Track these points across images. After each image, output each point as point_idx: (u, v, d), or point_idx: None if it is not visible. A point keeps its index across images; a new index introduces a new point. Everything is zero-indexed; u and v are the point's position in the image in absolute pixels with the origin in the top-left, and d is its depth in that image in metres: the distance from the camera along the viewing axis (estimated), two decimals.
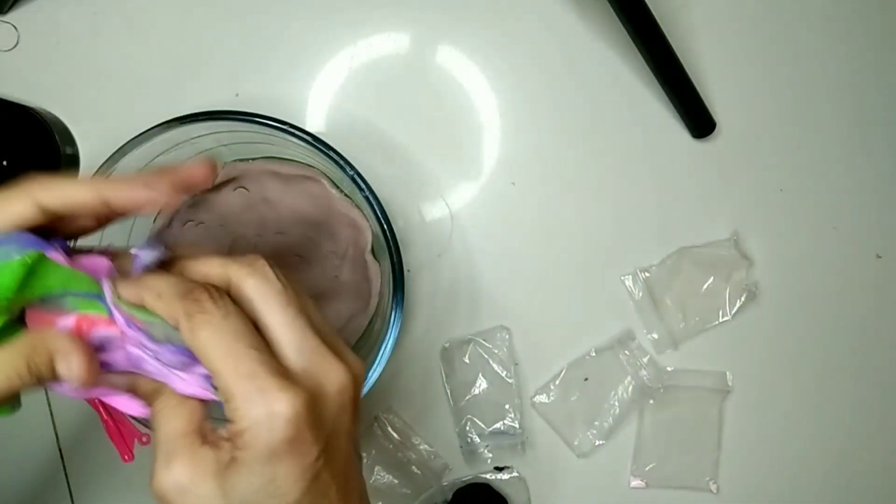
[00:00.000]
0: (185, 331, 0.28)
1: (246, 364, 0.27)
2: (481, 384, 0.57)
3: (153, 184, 0.30)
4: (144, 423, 0.45)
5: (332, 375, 0.29)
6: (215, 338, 0.27)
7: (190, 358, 0.29)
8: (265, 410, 0.26)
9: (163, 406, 0.29)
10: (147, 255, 0.30)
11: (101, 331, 0.29)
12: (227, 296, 0.29)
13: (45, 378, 0.28)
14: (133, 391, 0.30)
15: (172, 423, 0.29)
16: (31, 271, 0.27)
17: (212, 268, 0.30)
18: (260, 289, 0.29)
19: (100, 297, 0.29)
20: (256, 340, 0.28)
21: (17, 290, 0.27)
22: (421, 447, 0.56)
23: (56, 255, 0.28)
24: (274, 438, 0.26)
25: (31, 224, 0.28)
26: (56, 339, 0.28)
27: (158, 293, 0.28)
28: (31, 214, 0.28)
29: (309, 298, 0.31)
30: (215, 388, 0.28)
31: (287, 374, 0.27)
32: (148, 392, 0.30)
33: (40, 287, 0.28)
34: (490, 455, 0.56)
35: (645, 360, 0.56)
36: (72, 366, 0.28)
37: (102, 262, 0.30)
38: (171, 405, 0.29)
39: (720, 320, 0.57)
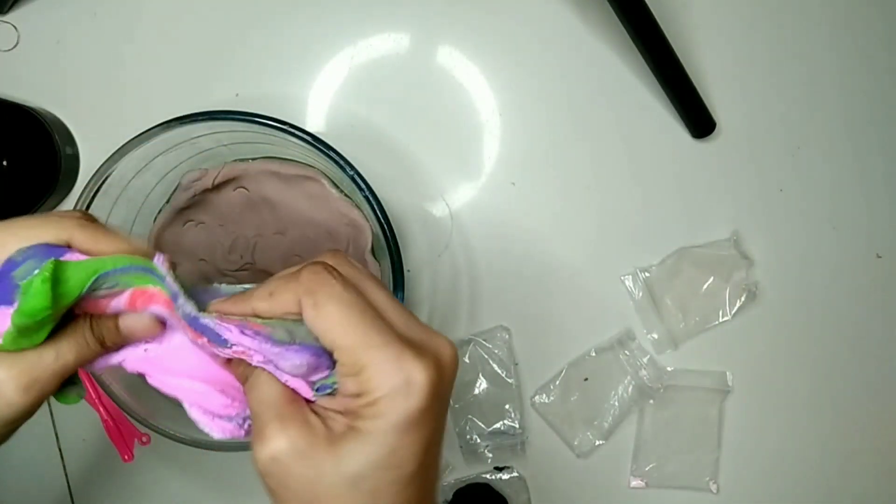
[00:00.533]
0: (308, 310, 0.28)
1: (378, 334, 0.27)
2: (481, 384, 0.57)
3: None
4: (144, 422, 0.45)
5: (444, 347, 0.29)
6: (341, 311, 0.27)
7: (314, 356, 0.28)
8: (403, 378, 0.26)
9: (261, 374, 0.29)
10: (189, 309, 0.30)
11: (157, 308, 0.29)
12: (334, 272, 0.28)
13: (108, 340, 0.29)
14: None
15: (276, 389, 0.28)
16: (56, 280, 0.27)
17: (281, 302, 0.29)
18: (352, 279, 0.29)
19: (151, 271, 0.29)
20: (378, 314, 0.28)
21: (52, 304, 0.27)
22: None
23: (72, 255, 0.29)
24: (411, 406, 0.26)
25: None
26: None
27: (269, 292, 0.29)
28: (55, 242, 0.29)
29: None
30: (325, 383, 0.29)
31: (412, 344, 0.28)
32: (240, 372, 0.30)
33: (73, 288, 0.28)
34: (490, 455, 0.56)
35: (645, 360, 0.56)
36: (140, 316, 0.29)
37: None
38: (269, 375, 0.29)
39: (720, 320, 0.57)
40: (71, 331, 0.29)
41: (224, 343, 0.28)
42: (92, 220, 0.30)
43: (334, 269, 0.29)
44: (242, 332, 0.28)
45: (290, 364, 0.28)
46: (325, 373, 0.29)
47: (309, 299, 0.28)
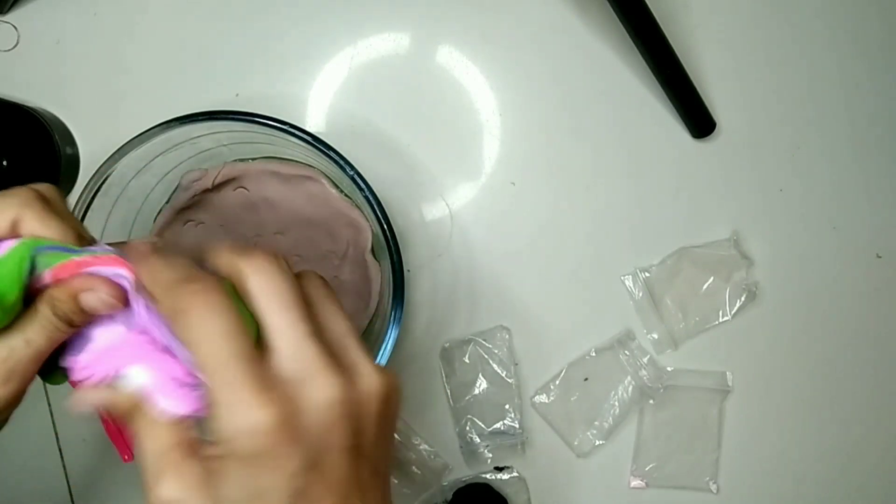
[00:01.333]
0: (177, 324, 0.27)
1: (230, 371, 0.26)
2: (481, 384, 0.57)
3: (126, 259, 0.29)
4: None
5: (321, 389, 0.27)
6: (206, 337, 0.26)
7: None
8: (244, 421, 0.26)
9: (144, 424, 0.28)
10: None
11: (95, 268, 0.29)
12: (223, 291, 0.27)
13: (75, 320, 0.29)
14: (110, 408, 0.29)
15: (156, 441, 0.28)
16: None
17: (221, 259, 0.29)
18: (262, 287, 0.28)
19: (67, 248, 0.29)
20: (246, 344, 0.27)
21: None
22: (421, 447, 0.56)
23: (6, 243, 0.29)
24: (251, 448, 0.26)
25: None
26: (69, 283, 0.28)
27: (158, 280, 0.28)
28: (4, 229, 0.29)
29: (333, 298, 0.30)
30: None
31: (271, 384, 0.26)
32: (126, 410, 0.29)
33: (10, 282, 0.28)
34: (490, 455, 0.56)
35: (645, 360, 0.56)
36: (98, 292, 0.28)
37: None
38: (152, 422, 0.28)
39: (720, 320, 0.57)
40: (34, 314, 0.29)
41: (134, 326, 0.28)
42: (43, 197, 0.30)
43: (214, 286, 0.27)
44: (147, 310, 0.28)
45: (167, 368, 0.28)
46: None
47: (179, 315, 0.27)
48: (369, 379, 0.28)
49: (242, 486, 0.26)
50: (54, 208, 0.30)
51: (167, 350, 0.28)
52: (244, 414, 0.26)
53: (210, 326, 0.26)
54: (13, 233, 0.29)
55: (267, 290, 0.28)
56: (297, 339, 0.28)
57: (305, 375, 0.27)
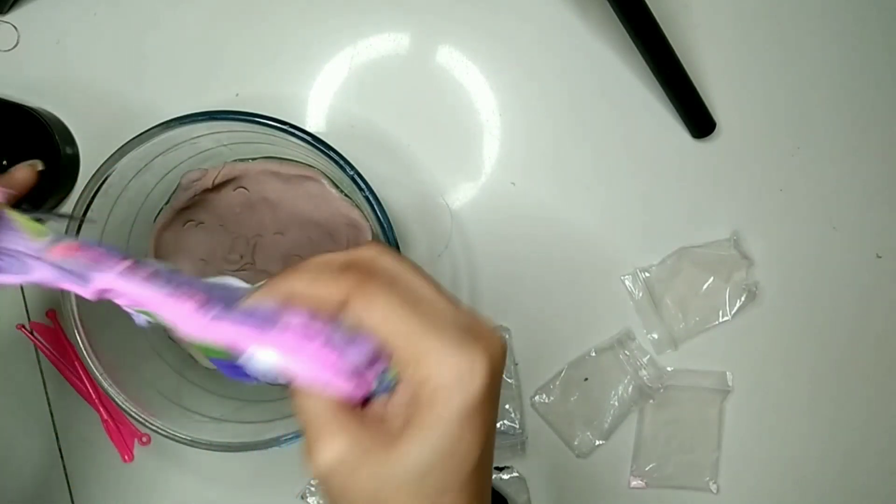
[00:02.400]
0: (359, 301, 0.26)
1: (436, 320, 0.26)
2: None
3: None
4: (144, 423, 0.45)
5: (494, 337, 0.27)
6: (394, 303, 0.26)
7: (371, 349, 0.27)
8: (467, 362, 0.25)
9: (305, 389, 0.27)
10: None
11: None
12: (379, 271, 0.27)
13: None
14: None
15: (324, 399, 0.27)
16: None
17: (326, 288, 0.27)
18: (377, 318, 0.27)
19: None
20: (429, 303, 0.27)
21: None
22: None
23: None
24: (475, 393, 0.25)
25: None
26: None
27: (312, 277, 0.27)
28: None
29: (420, 273, 0.30)
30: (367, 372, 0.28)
31: (469, 331, 0.26)
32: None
33: None
34: None
35: (645, 360, 0.56)
36: None
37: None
38: (313, 390, 0.27)
39: (720, 320, 0.57)
40: None
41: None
42: None
43: (384, 257, 0.28)
44: (306, 326, 0.27)
45: (353, 358, 0.27)
46: (383, 366, 0.28)
47: (360, 290, 0.26)
48: (492, 340, 0.28)
49: (445, 438, 0.25)
50: None
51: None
52: (467, 355, 0.25)
53: (395, 293, 0.26)
54: None
55: (381, 320, 0.27)
56: (452, 301, 0.28)
57: (477, 328, 0.27)
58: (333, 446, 0.26)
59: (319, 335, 0.27)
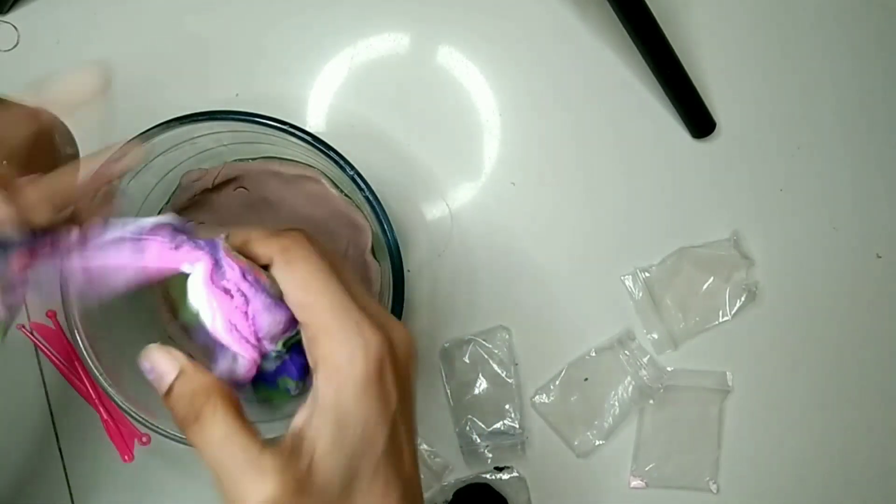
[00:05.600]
0: (281, 265, 0.28)
1: (344, 300, 0.28)
2: (481, 384, 0.57)
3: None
4: (144, 423, 0.45)
5: (400, 331, 0.29)
6: (312, 272, 0.28)
7: (290, 314, 0.29)
8: (362, 341, 0.27)
9: (215, 422, 0.27)
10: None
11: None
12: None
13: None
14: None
15: (228, 449, 0.27)
16: None
17: (257, 247, 0.30)
18: (299, 275, 0.29)
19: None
20: (344, 284, 0.28)
21: None
22: (421, 447, 0.56)
23: None
24: (368, 369, 0.27)
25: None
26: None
27: (244, 240, 0.29)
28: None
29: (346, 262, 0.32)
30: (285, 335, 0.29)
31: (372, 318, 0.28)
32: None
33: None
34: (490, 455, 0.56)
35: (645, 360, 0.56)
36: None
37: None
38: (223, 420, 0.27)
39: (720, 320, 0.57)
40: None
41: (222, 277, 0.29)
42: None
43: (313, 239, 0.29)
44: (244, 276, 0.29)
45: (271, 320, 0.29)
46: (292, 332, 0.30)
47: (284, 255, 0.28)
48: (406, 330, 0.30)
49: (350, 427, 0.27)
50: None
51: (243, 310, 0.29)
52: (362, 335, 0.27)
53: (317, 263, 0.28)
54: None
55: (297, 286, 0.29)
56: (364, 294, 0.30)
57: (382, 317, 0.29)
58: (270, 489, 0.25)
59: (242, 292, 0.29)
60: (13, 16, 0.57)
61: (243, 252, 0.30)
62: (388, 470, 0.28)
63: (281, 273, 0.29)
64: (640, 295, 0.57)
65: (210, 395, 0.27)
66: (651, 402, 0.57)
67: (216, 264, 0.29)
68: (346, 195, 0.52)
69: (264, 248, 0.29)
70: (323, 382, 0.27)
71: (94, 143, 0.57)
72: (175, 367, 0.28)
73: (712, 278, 0.57)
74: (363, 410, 0.27)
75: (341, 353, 0.27)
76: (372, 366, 0.27)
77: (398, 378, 0.28)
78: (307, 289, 0.28)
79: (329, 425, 0.27)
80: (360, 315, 0.28)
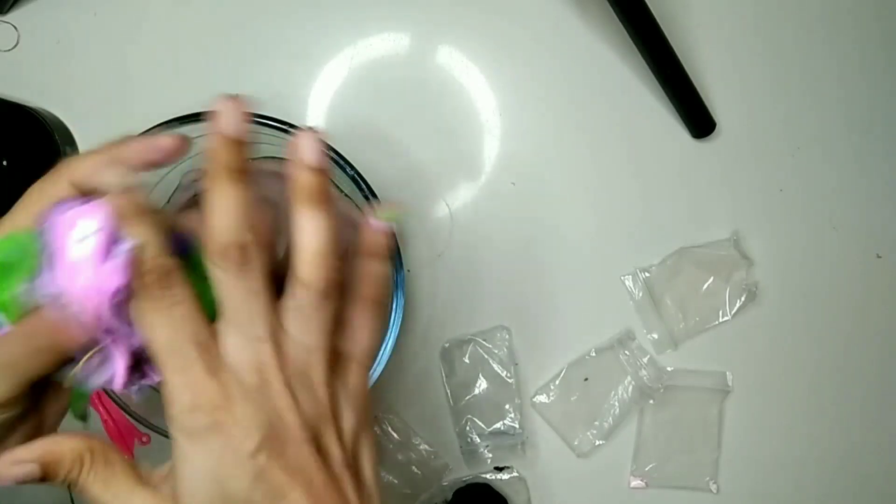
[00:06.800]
0: (133, 308, 0.28)
1: (180, 358, 0.27)
2: (481, 384, 0.57)
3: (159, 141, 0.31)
4: (144, 423, 0.45)
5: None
6: (159, 323, 0.27)
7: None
8: (189, 401, 0.27)
9: (93, 479, 0.29)
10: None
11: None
12: (178, 278, 0.28)
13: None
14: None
15: (112, 489, 0.29)
16: None
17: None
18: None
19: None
20: (198, 328, 0.28)
21: None
22: (421, 447, 0.56)
23: None
24: (196, 425, 0.27)
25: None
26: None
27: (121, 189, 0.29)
28: (68, 193, 0.30)
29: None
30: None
31: (220, 368, 0.28)
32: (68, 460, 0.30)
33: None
34: (490, 455, 0.56)
35: (645, 360, 0.56)
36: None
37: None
38: (101, 477, 0.29)
39: (720, 320, 0.57)
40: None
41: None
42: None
43: (174, 278, 0.28)
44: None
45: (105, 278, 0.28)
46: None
47: (134, 300, 0.28)
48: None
49: (203, 472, 0.27)
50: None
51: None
52: (191, 394, 0.27)
53: (166, 314, 0.27)
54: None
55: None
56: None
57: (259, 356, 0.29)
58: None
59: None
60: (13, 16, 0.57)
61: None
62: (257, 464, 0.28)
63: (134, 315, 0.28)
64: (640, 295, 0.57)
65: (74, 464, 0.29)
66: (651, 402, 0.57)
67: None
68: (346, 195, 0.52)
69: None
70: (173, 428, 0.28)
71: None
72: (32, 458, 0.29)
73: (712, 278, 0.57)
74: (210, 466, 0.27)
75: (174, 408, 0.28)
76: (200, 422, 0.27)
77: (252, 422, 0.28)
78: (150, 340, 0.28)
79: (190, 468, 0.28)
80: (197, 376, 0.27)
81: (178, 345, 0.27)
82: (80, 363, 0.29)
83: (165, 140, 0.31)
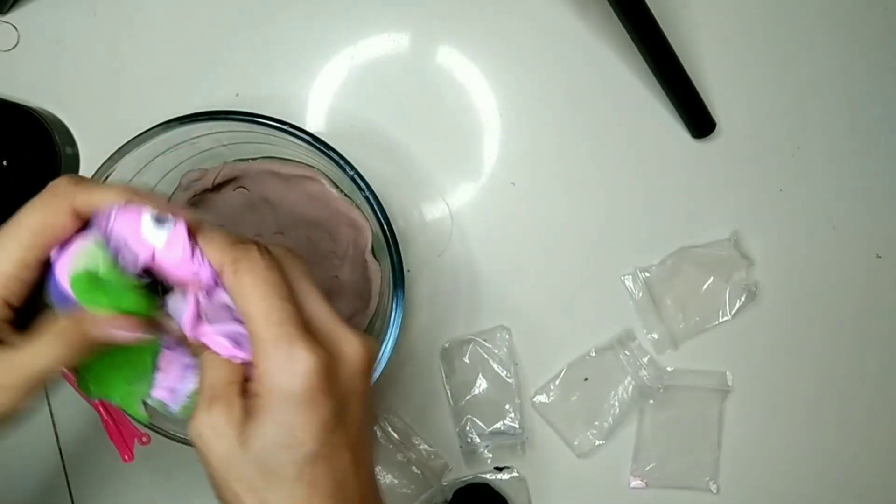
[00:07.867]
0: (228, 276, 0.30)
1: (280, 313, 0.29)
2: (481, 384, 0.57)
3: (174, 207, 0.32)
4: (144, 422, 0.45)
5: (349, 343, 0.31)
6: (256, 284, 0.29)
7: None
8: (287, 357, 0.28)
9: (211, 355, 0.31)
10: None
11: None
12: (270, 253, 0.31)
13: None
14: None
15: (219, 371, 0.30)
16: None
17: (211, 252, 0.31)
18: (246, 285, 0.30)
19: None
20: (291, 297, 0.30)
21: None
22: (421, 447, 0.56)
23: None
24: (293, 385, 0.28)
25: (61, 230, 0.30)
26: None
27: (212, 239, 0.31)
28: (69, 221, 0.30)
29: (308, 276, 0.33)
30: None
31: (312, 333, 0.30)
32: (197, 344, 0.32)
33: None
34: (490, 455, 0.56)
35: (645, 360, 0.56)
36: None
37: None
38: (214, 357, 0.31)
39: (720, 320, 0.57)
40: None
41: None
42: (81, 178, 0.32)
43: (266, 250, 0.31)
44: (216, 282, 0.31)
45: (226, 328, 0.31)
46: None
47: (231, 267, 0.30)
48: (367, 340, 0.32)
49: (276, 424, 0.28)
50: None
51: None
52: (290, 350, 0.28)
53: (262, 276, 0.29)
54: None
55: (247, 290, 0.30)
56: (320, 302, 0.31)
57: (333, 331, 0.31)
58: (200, 418, 0.29)
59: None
60: (13, 16, 0.57)
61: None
62: (313, 478, 0.29)
63: (228, 283, 0.30)
64: (640, 295, 0.57)
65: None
66: (651, 402, 0.57)
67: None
68: (346, 195, 0.52)
69: (219, 255, 0.30)
70: (262, 394, 0.29)
71: (95, 143, 0.57)
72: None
73: (712, 278, 0.57)
74: (285, 417, 0.28)
75: (271, 368, 0.29)
76: (299, 383, 0.28)
77: (339, 391, 0.30)
78: (249, 301, 0.29)
79: (267, 433, 0.29)
80: (294, 331, 0.29)
81: (277, 301, 0.30)
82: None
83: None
